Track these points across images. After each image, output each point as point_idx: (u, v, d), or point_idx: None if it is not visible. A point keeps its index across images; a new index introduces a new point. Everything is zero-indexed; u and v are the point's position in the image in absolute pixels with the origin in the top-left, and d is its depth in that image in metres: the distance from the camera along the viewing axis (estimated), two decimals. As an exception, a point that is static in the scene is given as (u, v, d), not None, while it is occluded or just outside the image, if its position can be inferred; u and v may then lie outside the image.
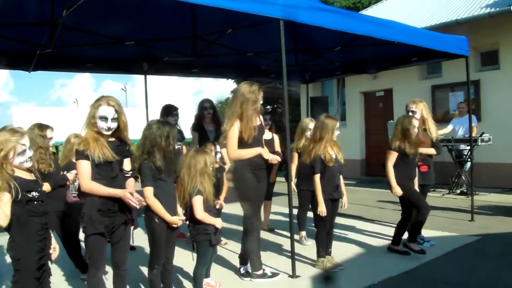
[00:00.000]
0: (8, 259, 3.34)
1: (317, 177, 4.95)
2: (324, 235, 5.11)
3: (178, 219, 3.91)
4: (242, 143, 4.58)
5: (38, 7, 5.21)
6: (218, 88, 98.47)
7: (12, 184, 2.84)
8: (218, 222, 4.18)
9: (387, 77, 11.64)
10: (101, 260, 3.55)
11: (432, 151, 5.85)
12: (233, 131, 4.54)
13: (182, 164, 4.07)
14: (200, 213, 4.02)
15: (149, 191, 3.74)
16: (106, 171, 3.49)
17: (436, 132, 5.96)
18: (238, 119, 4.55)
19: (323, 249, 5.09)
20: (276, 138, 6.24)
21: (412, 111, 5.83)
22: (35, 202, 3.00)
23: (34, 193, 2.99)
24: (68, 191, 4.90)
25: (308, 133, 6.03)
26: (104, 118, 3.46)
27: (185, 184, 4.01)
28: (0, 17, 5.37)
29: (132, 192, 3.38)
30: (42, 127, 4.52)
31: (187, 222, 4.17)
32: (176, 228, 3.98)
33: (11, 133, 2.96)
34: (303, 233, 6.21)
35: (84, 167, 3.42)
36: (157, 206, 3.76)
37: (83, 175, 3.43)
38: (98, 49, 7.05)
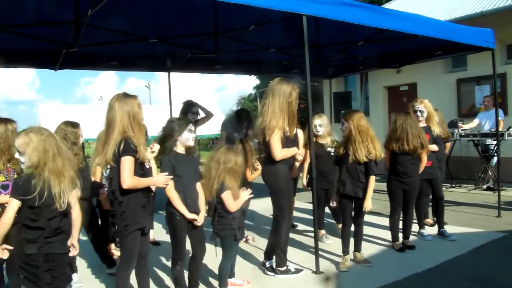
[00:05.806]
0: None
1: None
2: (348, 231, 5.08)
3: (199, 216, 3.91)
4: (285, 141, 4.60)
5: (63, 7, 5.31)
6: (241, 84, 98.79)
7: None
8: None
9: (411, 71, 11.48)
10: (136, 256, 3.57)
11: (433, 147, 5.92)
12: (279, 131, 4.53)
13: (210, 158, 4.08)
14: (234, 207, 4.03)
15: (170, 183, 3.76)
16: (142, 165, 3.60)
17: (437, 129, 6.06)
18: (285, 118, 4.56)
19: (346, 246, 5.04)
20: (300, 134, 6.13)
21: (421, 111, 5.93)
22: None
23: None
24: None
25: (315, 130, 5.97)
26: None
27: (211, 178, 4.01)
28: (26, 17, 5.50)
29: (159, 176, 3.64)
30: (74, 124, 4.61)
31: (210, 217, 4.19)
32: (199, 225, 3.98)
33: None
34: (323, 231, 6.15)
35: (131, 163, 3.41)
36: (175, 200, 3.80)
37: (129, 171, 3.40)
38: (122, 47, 7.14)
